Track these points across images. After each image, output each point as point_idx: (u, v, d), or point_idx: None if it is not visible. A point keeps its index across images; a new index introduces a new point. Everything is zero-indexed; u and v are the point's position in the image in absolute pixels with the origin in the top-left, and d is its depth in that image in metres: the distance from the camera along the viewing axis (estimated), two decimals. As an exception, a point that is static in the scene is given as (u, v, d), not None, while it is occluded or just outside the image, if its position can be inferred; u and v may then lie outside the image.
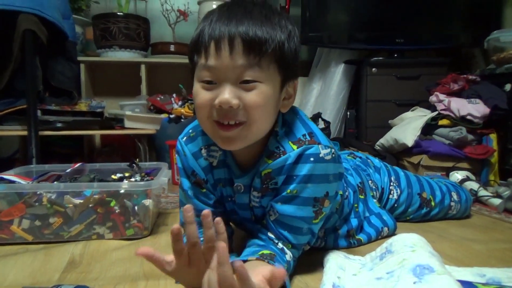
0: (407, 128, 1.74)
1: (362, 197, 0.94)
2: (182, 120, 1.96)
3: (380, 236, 0.93)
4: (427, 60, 2.22)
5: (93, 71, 2.42)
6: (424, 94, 1.95)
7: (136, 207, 0.94)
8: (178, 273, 0.57)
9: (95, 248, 0.88)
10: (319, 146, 0.67)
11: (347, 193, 0.87)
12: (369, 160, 1.09)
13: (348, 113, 2.27)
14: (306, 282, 0.69)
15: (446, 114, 1.70)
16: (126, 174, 1.13)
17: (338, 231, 0.86)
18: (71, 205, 0.92)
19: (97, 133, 2.01)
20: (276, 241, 0.68)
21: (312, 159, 0.65)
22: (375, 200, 0.98)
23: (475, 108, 1.63)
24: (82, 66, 2.23)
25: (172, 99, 2.16)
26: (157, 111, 2.14)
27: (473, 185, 1.40)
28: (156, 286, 0.65)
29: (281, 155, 0.67)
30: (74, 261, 0.80)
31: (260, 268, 0.56)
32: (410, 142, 1.66)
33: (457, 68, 2.05)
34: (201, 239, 0.56)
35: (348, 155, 1.11)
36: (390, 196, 1.05)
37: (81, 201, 0.92)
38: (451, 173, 1.54)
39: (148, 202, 0.95)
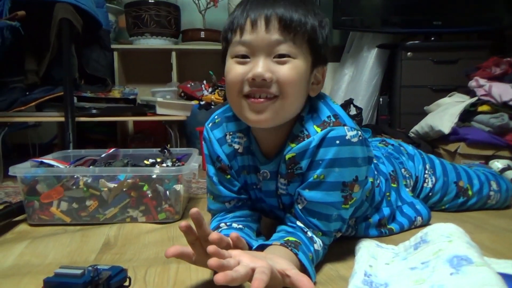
0: (444, 114, 1.67)
1: (395, 185, 0.91)
2: (212, 106, 1.98)
3: (413, 226, 0.90)
4: (467, 43, 2.12)
5: (125, 58, 2.47)
6: (462, 79, 1.87)
7: (167, 192, 0.96)
8: (200, 261, 0.58)
9: (128, 231, 0.91)
10: (345, 127, 0.65)
11: (378, 181, 0.85)
12: (402, 148, 1.06)
13: (381, 99, 2.21)
14: (337, 270, 0.68)
15: (486, 99, 1.62)
16: (158, 160, 1.16)
17: (369, 220, 0.84)
18: (106, 189, 0.95)
19: (130, 119, 2.06)
20: (306, 230, 0.68)
21: (338, 141, 0.64)
22: (408, 189, 0.95)
23: (519, 94, 1.55)
24: (115, 53, 2.28)
25: (202, 85, 2.18)
26: (187, 98, 2.17)
27: (514, 174, 1.33)
28: (188, 269, 0.66)
29: (305, 139, 0.66)
30: (109, 242, 0.83)
31: (281, 261, 0.56)
32: (446, 129, 1.60)
33: (500, 52, 1.94)
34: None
35: (379, 143, 1.08)
36: (425, 184, 1.01)
37: (115, 185, 0.95)
38: (491, 162, 1.47)
39: (179, 187, 0.96)
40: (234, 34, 0.65)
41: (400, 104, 2.11)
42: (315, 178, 0.65)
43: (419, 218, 0.91)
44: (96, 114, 1.69)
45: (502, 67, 1.66)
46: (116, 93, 1.85)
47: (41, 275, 0.60)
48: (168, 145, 1.27)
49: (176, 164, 1.13)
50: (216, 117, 0.78)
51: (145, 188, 0.96)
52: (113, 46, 2.21)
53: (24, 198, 0.94)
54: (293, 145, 0.68)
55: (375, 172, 0.85)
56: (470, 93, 1.75)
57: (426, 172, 1.02)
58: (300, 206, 0.68)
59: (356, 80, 2.29)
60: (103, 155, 1.17)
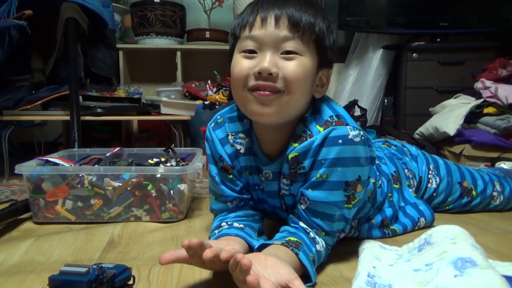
0: (449, 116, 1.66)
1: (397, 186, 0.91)
2: (216, 106, 1.98)
3: (417, 227, 0.90)
4: (473, 45, 2.10)
5: (130, 58, 2.48)
6: (468, 81, 1.85)
7: (171, 191, 0.96)
8: (198, 264, 0.58)
9: (133, 230, 0.91)
10: (348, 127, 0.65)
11: (380, 182, 0.85)
12: (405, 148, 1.05)
13: (386, 100, 2.20)
14: (340, 271, 0.68)
15: (492, 101, 1.61)
16: (162, 159, 1.16)
17: (372, 221, 0.83)
18: (110, 188, 0.95)
19: (135, 118, 2.07)
20: (308, 230, 0.68)
21: (340, 141, 0.64)
22: (411, 190, 0.95)
23: (525, 95, 1.54)
24: (120, 53, 2.29)
25: (207, 85, 2.18)
26: (192, 98, 2.17)
27: (520, 177, 1.32)
28: (191, 268, 0.66)
29: (308, 138, 0.67)
30: (114, 241, 0.84)
31: (282, 271, 0.55)
32: (452, 131, 1.59)
33: (506, 53, 1.93)
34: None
35: (382, 144, 1.08)
36: (429, 185, 1.01)
37: (120, 184, 0.95)
38: (496, 164, 1.46)
39: (183, 186, 0.97)
40: (243, 30, 0.66)
41: (405, 106, 2.10)
42: (318, 177, 0.65)
43: (422, 219, 0.90)
44: (101, 113, 1.69)
45: (509, 68, 1.65)
46: (121, 93, 1.86)
47: (46, 273, 0.61)
48: (172, 145, 1.27)
49: (180, 164, 1.13)
50: (218, 117, 0.78)
51: (149, 187, 0.96)
52: (118, 45, 2.22)
53: (30, 196, 0.95)
54: (295, 144, 0.68)
55: (377, 173, 0.85)
56: (476, 94, 1.74)
57: (430, 172, 1.01)
58: (303, 206, 0.68)
59: (361, 81, 2.29)
60: (107, 154, 1.17)
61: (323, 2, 2.37)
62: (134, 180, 0.96)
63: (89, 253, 0.76)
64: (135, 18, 2.28)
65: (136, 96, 1.87)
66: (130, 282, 0.56)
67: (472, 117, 1.66)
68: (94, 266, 0.52)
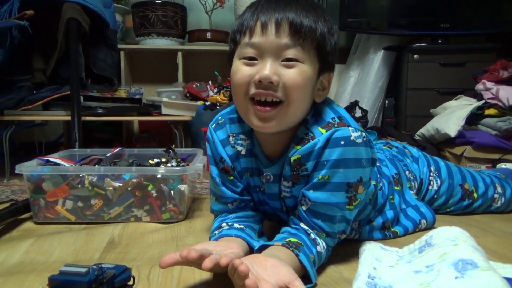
0: (450, 117, 1.66)
1: (398, 188, 0.90)
2: (217, 107, 1.98)
3: (418, 229, 0.89)
4: (475, 46, 2.10)
5: (132, 58, 2.48)
6: (469, 82, 1.85)
7: (172, 192, 0.96)
8: (198, 267, 0.58)
9: (133, 230, 0.91)
10: (350, 128, 0.65)
11: (381, 184, 0.85)
12: (406, 150, 1.05)
13: (387, 101, 2.20)
14: (341, 272, 0.68)
15: (493, 103, 1.61)
16: (163, 160, 1.16)
17: (373, 223, 0.83)
18: (110, 188, 0.95)
19: (136, 119, 2.07)
20: (309, 232, 0.68)
21: (342, 142, 0.64)
22: (412, 192, 0.95)
23: (527, 97, 1.53)
24: (121, 53, 2.30)
25: (208, 86, 2.18)
26: (193, 98, 2.17)
27: (521, 178, 1.32)
28: (191, 269, 0.66)
29: (310, 140, 0.67)
30: (114, 241, 0.83)
31: (282, 272, 0.55)
32: (453, 132, 1.59)
33: (507, 55, 1.93)
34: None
35: (383, 145, 1.08)
36: (430, 187, 1.00)
37: (120, 184, 0.95)
38: (498, 166, 1.46)
39: (183, 187, 0.97)
40: (243, 35, 0.65)
41: (406, 107, 2.10)
42: (319, 178, 0.65)
43: (423, 221, 0.90)
44: (102, 114, 1.69)
45: (510, 70, 1.64)
46: (122, 93, 1.86)
47: (46, 273, 0.61)
48: (173, 145, 1.27)
49: (181, 164, 1.13)
50: (219, 118, 0.78)
51: (149, 188, 0.96)
52: (119, 46, 2.22)
53: (30, 196, 0.95)
54: (298, 147, 0.68)
55: (378, 175, 0.85)
56: (477, 96, 1.74)
57: (431, 174, 1.01)
58: (304, 208, 0.68)
59: (362, 82, 2.28)
60: (108, 154, 1.17)
61: (324, 3, 2.37)
62: (134, 180, 0.96)
63: (89, 253, 0.76)
64: (137, 19, 2.28)
65: (137, 97, 1.87)
66: (130, 282, 0.56)
67: (473, 118, 1.66)
68: (94, 266, 0.52)
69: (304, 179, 0.69)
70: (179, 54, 2.31)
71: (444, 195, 1.01)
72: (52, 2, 1.54)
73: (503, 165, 1.43)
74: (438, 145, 1.72)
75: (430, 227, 0.91)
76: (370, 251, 0.71)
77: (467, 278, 0.51)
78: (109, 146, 1.30)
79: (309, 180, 0.68)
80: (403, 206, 0.90)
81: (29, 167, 0.95)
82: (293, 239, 0.64)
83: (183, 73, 2.35)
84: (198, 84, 2.19)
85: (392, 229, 0.86)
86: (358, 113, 1.99)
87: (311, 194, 0.67)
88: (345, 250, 0.75)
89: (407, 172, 0.97)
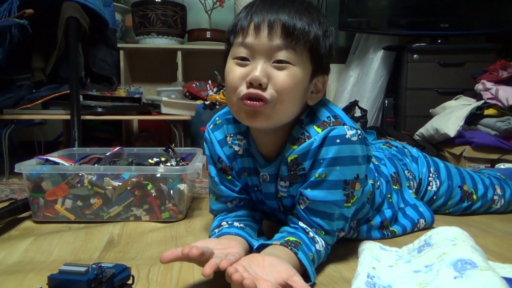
0: (450, 117, 1.66)
1: (396, 187, 0.91)
2: (217, 106, 1.98)
3: (416, 229, 0.89)
4: (474, 46, 2.10)
5: (131, 57, 2.48)
6: (469, 82, 1.85)
7: (171, 191, 0.96)
8: (198, 264, 0.59)
9: (132, 229, 0.91)
10: (345, 127, 0.66)
11: (378, 183, 0.85)
12: (406, 150, 1.05)
13: (386, 101, 2.21)
14: (340, 271, 0.68)
15: (493, 103, 1.61)
16: (162, 159, 1.16)
17: (371, 222, 0.83)
18: (110, 187, 0.95)
19: (135, 118, 2.07)
20: (308, 230, 0.68)
21: (338, 140, 0.64)
22: (411, 191, 0.95)
23: (526, 97, 1.53)
24: (121, 53, 2.29)
25: (207, 85, 2.18)
26: (192, 98, 2.17)
27: (520, 178, 1.32)
28: (191, 268, 0.66)
29: (306, 140, 0.67)
30: (113, 241, 0.83)
31: (281, 269, 0.55)
32: (452, 132, 1.59)
33: (507, 55, 1.93)
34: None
35: (383, 145, 1.08)
36: (429, 187, 1.01)
37: (120, 183, 0.95)
38: (496, 166, 1.46)
39: (183, 186, 0.97)
40: (237, 36, 0.65)
41: (406, 107, 2.10)
42: (316, 177, 0.66)
43: (422, 221, 0.90)
44: (102, 113, 1.69)
45: (509, 70, 1.64)
46: (121, 92, 1.86)
47: (45, 272, 0.61)
48: (173, 145, 1.27)
49: (180, 164, 1.13)
50: (217, 118, 0.79)
51: (149, 187, 0.96)
52: (119, 45, 2.22)
53: (29, 195, 0.95)
54: (294, 147, 0.68)
55: (376, 174, 0.85)
56: (477, 96, 1.74)
57: (430, 175, 1.01)
58: (302, 206, 0.69)
59: (361, 82, 2.29)
60: (107, 154, 1.17)
61: (324, 3, 2.37)
62: (134, 179, 0.96)
63: (89, 253, 0.76)
64: (136, 18, 2.28)
65: (136, 96, 1.87)
66: (130, 281, 0.56)
67: (473, 118, 1.66)
68: (94, 266, 0.52)
69: (301, 178, 0.69)
70: (179, 53, 2.31)
71: (443, 196, 1.01)
72: (51, 1, 1.53)
73: (501, 165, 1.43)
74: (438, 145, 1.72)
75: (428, 226, 0.91)
76: (369, 250, 0.71)
77: (466, 278, 0.51)
78: (108, 145, 1.30)
79: (306, 179, 0.68)
80: (402, 205, 0.90)
81: (28, 166, 0.95)
82: (291, 238, 0.65)
83: (183, 73, 2.35)
84: (197, 84, 2.19)
85: (391, 228, 0.86)
86: (358, 113, 1.99)
87: (309, 192, 0.67)
88: (344, 250, 0.75)
89: (406, 172, 0.97)
